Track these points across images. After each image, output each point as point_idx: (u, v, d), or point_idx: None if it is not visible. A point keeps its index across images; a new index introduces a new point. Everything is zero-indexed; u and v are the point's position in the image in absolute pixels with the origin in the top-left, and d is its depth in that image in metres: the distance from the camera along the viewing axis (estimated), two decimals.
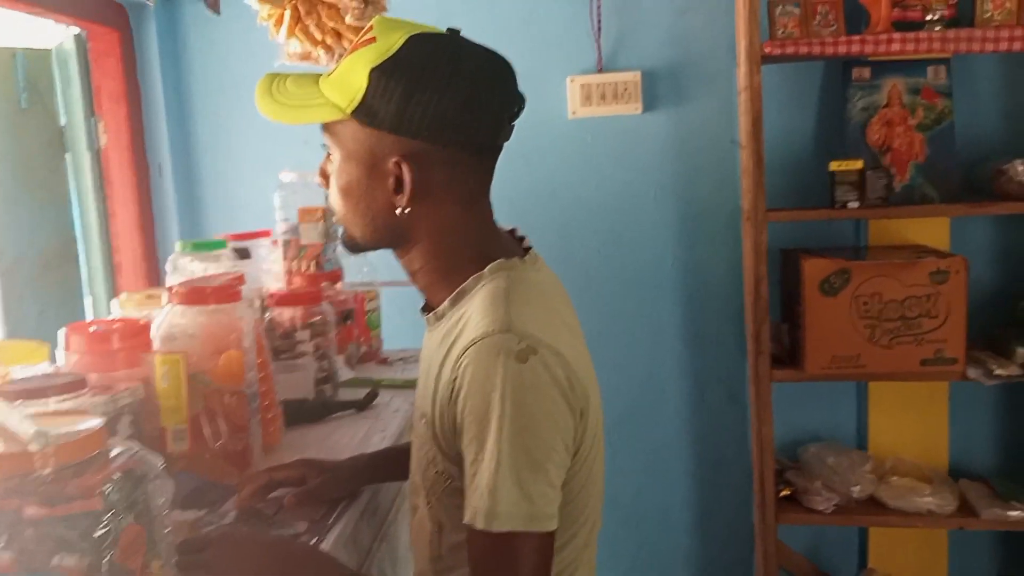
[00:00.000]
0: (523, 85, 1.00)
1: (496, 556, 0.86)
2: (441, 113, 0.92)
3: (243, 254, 1.70)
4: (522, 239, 1.08)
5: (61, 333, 1.22)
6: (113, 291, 2.32)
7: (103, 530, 0.65)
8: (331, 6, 1.48)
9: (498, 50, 0.99)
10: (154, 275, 2.36)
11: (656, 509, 2.49)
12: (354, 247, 1.04)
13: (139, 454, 0.70)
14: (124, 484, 0.68)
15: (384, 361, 1.96)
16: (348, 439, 1.44)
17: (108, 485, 0.67)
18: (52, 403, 0.89)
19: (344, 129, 0.96)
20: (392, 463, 1.29)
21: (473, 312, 0.94)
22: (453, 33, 0.97)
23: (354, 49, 0.95)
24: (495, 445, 0.85)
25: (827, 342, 2.10)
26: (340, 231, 1.05)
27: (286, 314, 1.63)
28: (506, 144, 1.00)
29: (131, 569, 0.68)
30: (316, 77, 1.00)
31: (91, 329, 1.25)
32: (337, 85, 0.95)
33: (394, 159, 0.94)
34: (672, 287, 2.40)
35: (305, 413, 1.53)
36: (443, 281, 1.00)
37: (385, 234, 1.00)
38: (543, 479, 0.86)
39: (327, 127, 0.98)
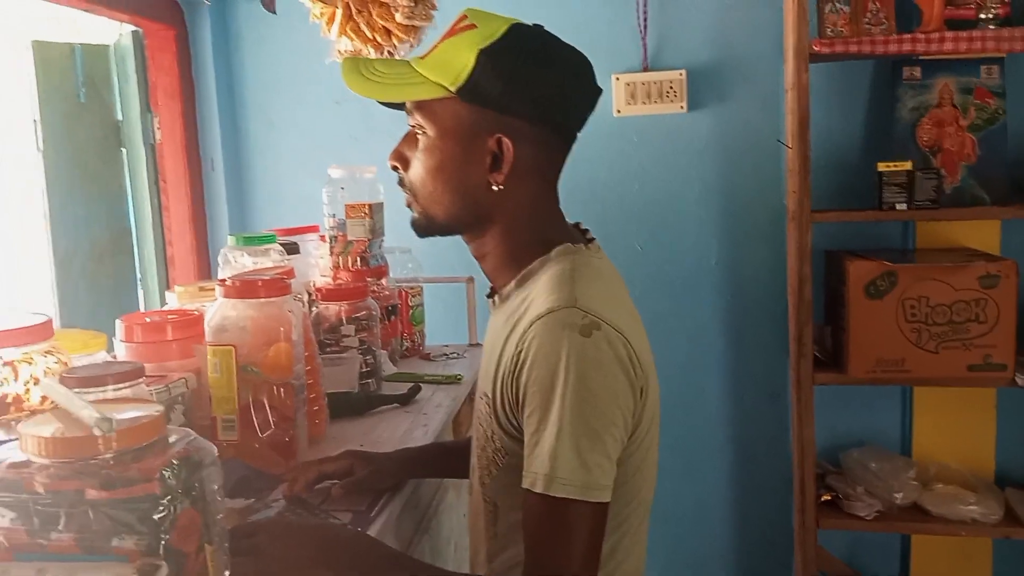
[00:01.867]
0: None
1: (551, 521, 0.89)
2: (543, 94, 0.99)
3: (291, 249, 1.74)
4: (586, 231, 1.11)
5: (118, 323, 1.26)
6: (165, 283, 2.39)
7: (160, 514, 0.67)
8: (382, 4, 1.51)
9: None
10: (205, 268, 2.41)
11: (694, 509, 2.48)
12: (429, 228, 1.06)
13: (195, 441, 0.73)
14: (181, 469, 0.70)
15: (427, 356, 1.99)
16: (390, 433, 1.46)
17: (166, 470, 0.69)
18: (110, 391, 0.92)
19: (443, 107, 1.00)
20: (437, 459, 1.32)
21: (538, 292, 0.98)
22: (540, 27, 1.03)
23: (451, 34, 1.00)
24: (558, 414, 0.88)
25: (872, 346, 2.07)
26: (415, 212, 1.07)
27: (332, 308, 1.66)
28: None
29: (186, 552, 0.70)
30: (404, 61, 1.04)
31: (146, 320, 1.30)
32: (438, 65, 0.99)
33: (496, 136, 0.98)
34: (714, 287, 2.39)
35: (349, 406, 1.56)
36: (510, 263, 1.04)
37: (469, 213, 1.03)
38: (601, 450, 0.89)
39: (421, 106, 1.01)
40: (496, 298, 1.08)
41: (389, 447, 1.35)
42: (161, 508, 0.67)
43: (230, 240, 1.61)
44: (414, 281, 2.03)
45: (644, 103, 2.30)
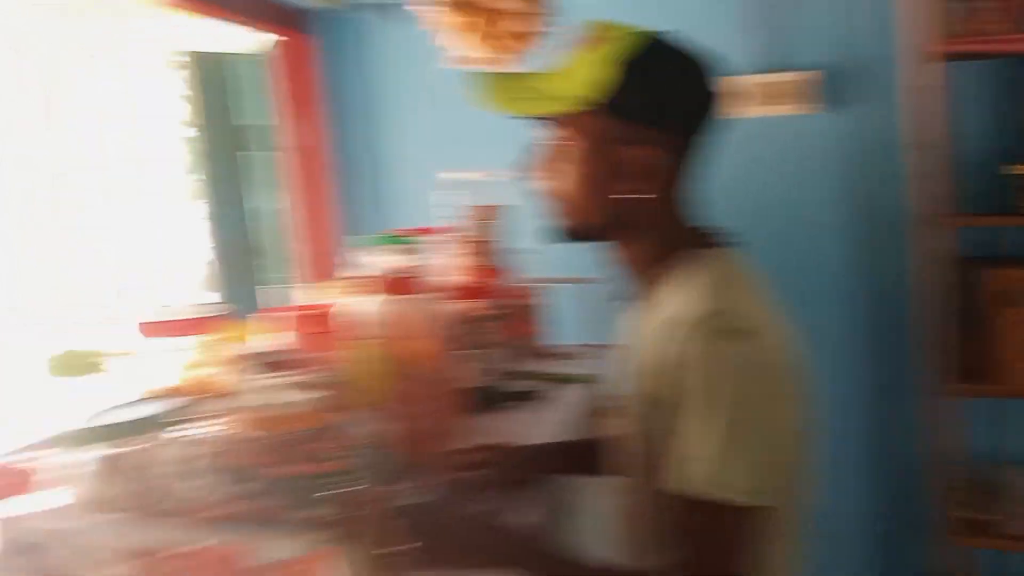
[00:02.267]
0: None
1: (708, 524, 0.90)
2: (686, 104, 1.02)
3: (422, 249, 1.81)
4: (728, 234, 1.12)
5: (279, 314, 1.35)
6: (301, 280, 2.52)
7: (339, 489, 0.74)
8: (509, 14, 1.55)
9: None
10: (335, 267, 2.53)
11: (826, 523, 2.43)
12: (574, 236, 1.09)
13: (373, 424, 0.80)
14: (362, 449, 0.77)
15: (554, 355, 2.03)
16: (517, 428, 1.51)
17: (349, 450, 0.76)
18: (286, 377, 1.00)
19: (584, 120, 1.02)
20: (580, 455, 1.35)
21: (688, 296, 0.99)
22: (673, 35, 1.05)
23: (588, 48, 1.02)
24: (715, 419, 0.89)
25: (1017, 357, 1.99)
26: (558, 222, 1.09)
27: (461, 306, 1.72)
28: None
29: (364, 524, 0.77)
30: (543, 74, 1.06)
31: (302, 313, 1.39)
32: (577, 79, 1.01)
33: (640, 147, 1.01)
34: (839, 292, 2.35)
35: (479, 401, 1.61)
36: (655, 267, 1.06)
37: (613, 222, 1.06)
38: (760, 456, 0.90)
39: (563, 120, 1.04)
40: (639, 301, 1.10)
41: (515, 442, 1.40)
42: (345, 483, 0.74)
43: (366, 240, 1.69)
44: (539, 281, 2.08)
45: (766, 104, 2.28)
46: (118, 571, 0.78)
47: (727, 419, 0.89)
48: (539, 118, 1.09)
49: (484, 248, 1.92)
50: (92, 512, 0.78)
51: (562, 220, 1.09)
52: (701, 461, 0.90)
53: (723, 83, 1.06)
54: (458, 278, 1.94)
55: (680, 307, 0.99)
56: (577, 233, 1.09)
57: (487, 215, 1.91)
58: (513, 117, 1.09)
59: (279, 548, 0.71)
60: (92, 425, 0.79)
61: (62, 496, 0.82)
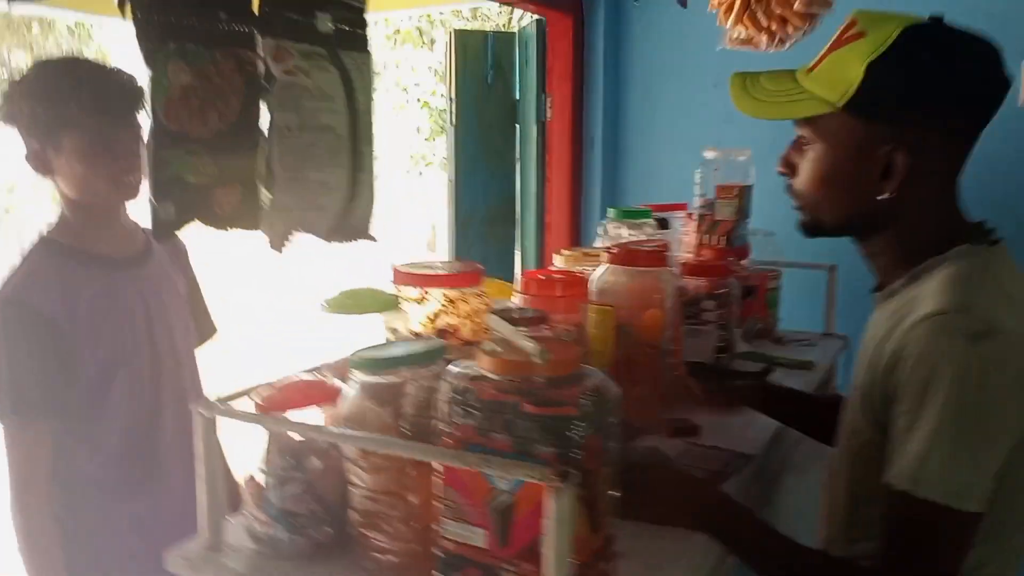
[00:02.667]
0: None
1: (914, 522, 0.90)
2: (940, 101, 0.97)
3: (662, 224, 1.87)
4: (991, 230, 1.06)
5: (519, 277, 1.48)
6: (542, 248, 2.67)
7: (576, 432, 0.82)
8: None
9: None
10: (576, 236, 2.65)
11: None
12: (817, 231, 1.09)
13: (604, 380, 0.88)
14: (593, 400, 0.85)
15: (779, 340, 2.01)
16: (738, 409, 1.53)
17: (583, 398, 0.84)
18: (528, 330, 1.11)
19: (831, 121, 1.01)
20: (790, 402, 1.40)
21: (929, 292, 0.97)
22: (937, 21, 0.99)
23: (839, 45, 1.00)
24: (934, 418, 0.89)
25: None
26: (803, 217, 1.09)
27: (694, 283, 1.76)
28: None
29: (589, 468, 0.85)
30: (789, 73, 1.06)
31: (542, 277, 1.50)
32: (824, 80, 1.00)
33: (888, 148, 0.98)
34: None
35: (705, 376, 1.65)
36: (902, 263, 1.04)
37: (858, 220, 1.05)
38: (973, 459, 0.89)
39: (808, 119, 1.03)
40: (882, 293, 1.08)
41: (742, 423, 1.43)
42: (577, 428, 0.83)
43: (611, 213, 1.78)
44: (774, 264, 2.06)
45: None
46: (363, 480, 0.93)
47: (939, 418, 0.88)
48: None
49: (728, 228, 1.93)
50: (350, 429, 0.93)
51: (803, 214, 1.09)
52: (908, 458, 0.90)
53: (997, 70, 0.99)
54: (698, 255, 1.98)
55: (916, 303, 0.97)
56: (815, 229, 1.09)
57: (735, 195, 1.92)
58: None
59: (515, 477, 0.82)
60: (358, 357, 0.94)
61: (324, 413, 0.99)
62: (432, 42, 9.25)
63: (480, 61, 2.62)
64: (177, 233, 0.76)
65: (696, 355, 1.70)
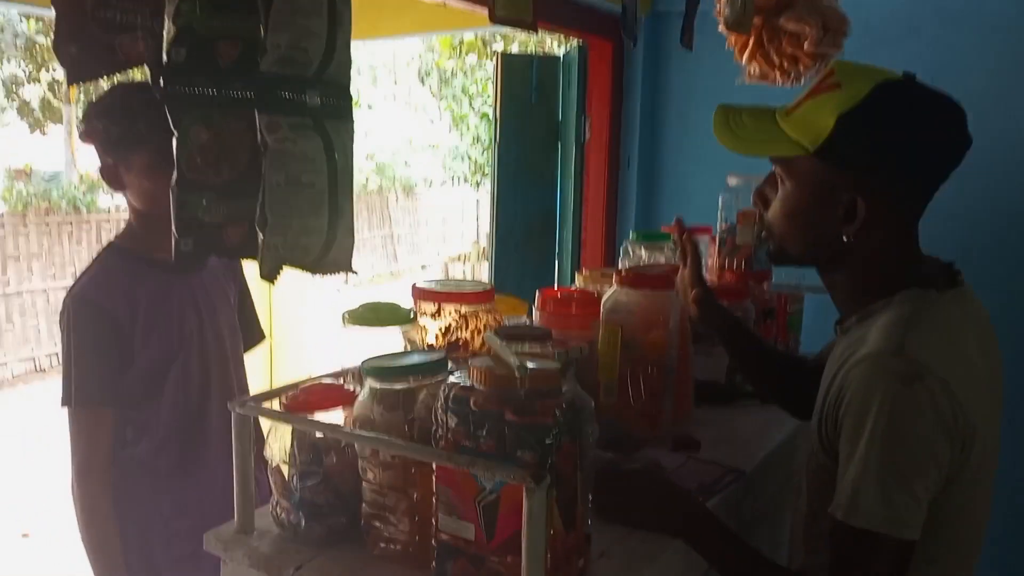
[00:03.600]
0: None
1: (851, 548, 0.98)
2: (900, 159, 1.04)
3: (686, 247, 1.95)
4: (955, 273, 1.12)
5: (536, 294, 1.58)
6: (577, 263, 2.77)
7: (551, 440, 0.92)
8: (791, 34, 1.63)
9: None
10: (611, 254, 2.74)
11: None
12: (781, 261, 1.19)
13: (580, 393, 0.98)
14: (569, 412, 0.95)
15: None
16: (747, 426, 1.61)
17: (558, 410, 0.94)
18: (527, 347, 1.22)
19: (802, 164, 1.09)
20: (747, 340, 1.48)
21: (873, 332, 1.05)
22: (910, 78, 1.06)
23: (817, 92, 1.07)
24: (865, 451, 0.97)
25: None
26: (770, 244, 1.18)
27: None
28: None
29: (564, 473, 0.95)
30: (770, 112, 1.14)
31: (558, 295, 1.61)
32: (800, 125, 1.08)
33: (851, 194, 1.06)
34: None
35: (714, 395, 1.73)
36: (856, 301, 1.12)
37: (819, 255, 1.13)
38: (907, 490, 0.96)
39: (782, 159, 1.12)
40: (841, 327, 1.16)
41: (743, 438, 1.51)
42: (552, 436, 0.93)
43: (631, 235, 1.87)
44: (796, 288, 2.11)
45: None
46: (372, 476, 1.05)
47: (873, 452, 0.95)
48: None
49: (748, 252, 2.00)
50: (360, 429, 1.05)
51: (771, 243, 1.18)
52: (845, 488, 0.97)
53: (959, 129, 1.05)
54: (720, 278, 2.05)
55: (862, 342, 1.05)
56: (781, 258, 1.18)
57: (755, 221, 1.99)
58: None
59: (496, 477, 0.92)
60: (368, 366, 1.06)
61: (339, 414, 1.11)
62: (494, 54, 9.44)
63: (525, 83, 2.74)
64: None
65: (709, 375, 1.77)
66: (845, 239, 1.08)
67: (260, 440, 1.17)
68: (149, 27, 0.84)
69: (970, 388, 1.00)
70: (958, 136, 1.05)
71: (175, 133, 0.75)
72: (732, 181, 2.03)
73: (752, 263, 1.99)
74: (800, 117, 1.09)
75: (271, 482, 1.16)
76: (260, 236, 0.78)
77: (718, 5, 1.78)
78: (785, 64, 1.64)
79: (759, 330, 1.95)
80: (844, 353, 1.09)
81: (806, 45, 1.59)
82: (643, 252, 1.82)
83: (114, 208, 8.67)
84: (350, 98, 0.87)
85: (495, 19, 1.32)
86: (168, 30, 0.83)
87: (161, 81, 0.78)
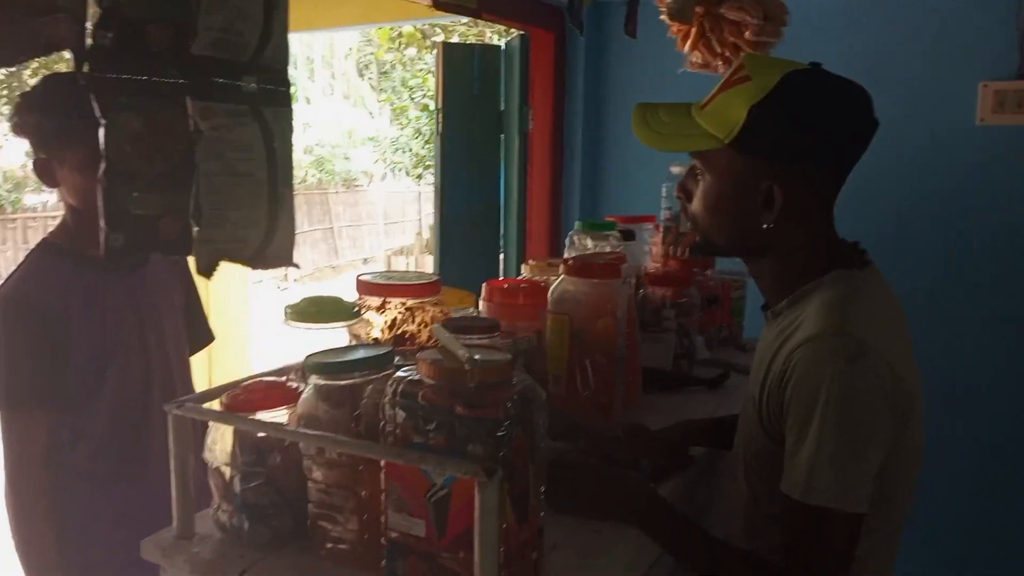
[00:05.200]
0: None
1: (808, 526, 0.99)
2: (812, 143, 1.07)
3: (628, 236, 1.95)
4: (863, 252, 1.17)
5: (484, 286, 1.56)
6: (523, 254, 2.76)
7: (502, 433, 0.91)
8: (733, 23, 1.64)
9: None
10: (556, 244, 2.74)
11: None
12: (707, 252, 1.21)
13: (531, 384, 0.96)
14: (519, 403, 0.93)
15: (742, 347, 2.10)
16: (695, 412, 1.61)
17: (509, 402, 0.93)
18: (475, 339, 1.20)
19: (718, 156, 1.12)
20: (720, 432, 1.44)
21: (810, 314, 1.07)
22: (816, 67, 1.10)
23: (728, 86, 1.11)
24: (817, 431, 0.98)
25: None
26: (696, 237, 1.21)
27: (657, 292, 1.85)
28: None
29: (516, 465, 0.94)
30: (686, 107, 1.16)
31: (504, 286, 1.59)
32: (713, 118, 1.11)
33: (766, 182, 1.09)
34: None
35: (662, 382, 1.74)
36: (784, 286, 1.15)
37: (742, 244, 1.17)
38: (856, 466, 0.98)
39: (700, 153, 1.14)
40: (770, 312, 1.18)
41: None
42: (503, 428, 0.91)
43: (576, 225, 1.86)
44: (739, 275, 2.14)
45: (1015, 112, 2.14)
46: (319, 475, 1.02)
47: (824, 431, 0.97)
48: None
49: (690, 239, 2.01)
50: (304, 427, 1.02)
51: (696, 235, 1.20)
52: (798, 468, 0.99)
53: (866, 113, 1.09)
54: (665, 266, 2.06)
55: (799, 323, 1.07)
56: (706, 249, 1.20)
57: None
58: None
59: (447, 472, 0.90)
60: (312, 362, 1.03)
61: (283, 413, 1.08)
62: (434, 46, 9.38)
63: (467, 73, 2.71)
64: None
65: (656, 361, 1.78)
66: (766, 227, 1.10)
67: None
68: (72, 8, 0.79)
69: (904, 362, 1.04)
70: (865, 120, 1.09)
71: (102, 121, 0.71)
72: (675, 170, 2.04)
73: None
74: (713, 110, 1.11)
75: (211, 485, 1.12)
76: (195, 229, 0.74)
77: None
78: (727, 53, 1.65)
79: (704, 316, 1.97)
80: (779, 336, 1.11)
81: (747, 34, 1.61)
82: (589, 241, 1.81)
83: (41, 206, 8.38)
84: (288, 84, 0.83)
85: (438, 4, 1.29)
86: (93, 12, 0.79)
87: (85, 66, 0.74)
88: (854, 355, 0.99)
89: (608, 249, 1.81)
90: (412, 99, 12.60)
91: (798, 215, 1.10)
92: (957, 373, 2.20)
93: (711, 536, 1.10)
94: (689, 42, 1.69)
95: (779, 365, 1.06)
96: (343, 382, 1.01)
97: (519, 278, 1.77)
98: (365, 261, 14.05)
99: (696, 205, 1.18)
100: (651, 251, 2.08)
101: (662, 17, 1.76)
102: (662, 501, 1.15)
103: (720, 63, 1.70)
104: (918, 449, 1.08)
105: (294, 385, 1.12)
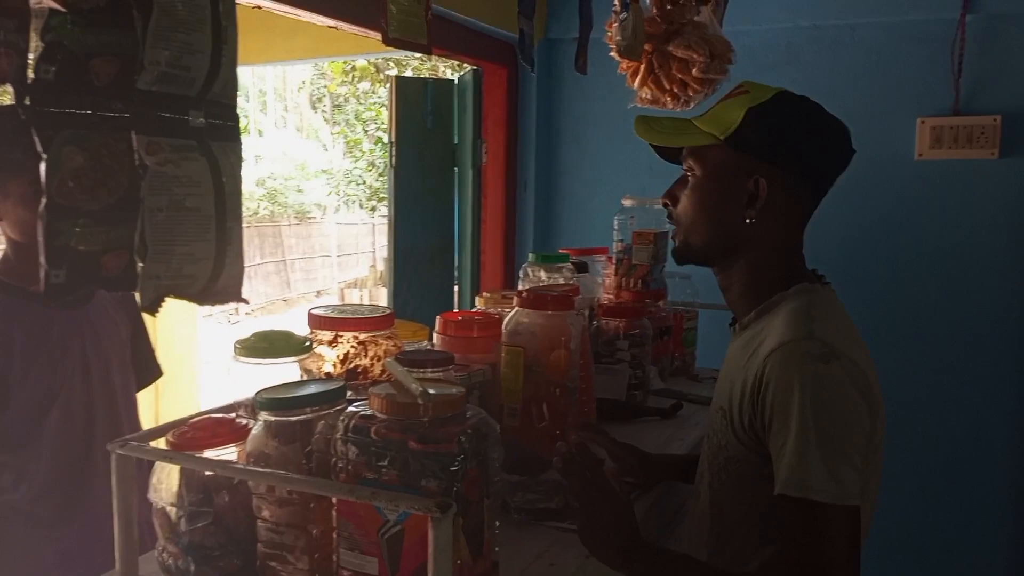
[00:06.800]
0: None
1: (808, 524, 0.99)
2: (800, 149, 1.16)
3: (581, 268, 1.97)
4: (821, 276, 1.23)
5: (437, 319, 1.56)
6: (477, 286, 2.76)
7: (456, 467, 0.90)
8: (681, 60, 1.68)
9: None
10: (510, 276, 2.75)
11: (973, 571, 2.34)
12: (686, 256, 1.25)
13: (484, 418, 0.96)
14: (473, 437, 0.93)
15: (695, 377, 2.12)
16: (649, 442, 1.62)
17: (463, 436, 0.92)
18: (428, 372, 1.19)
19: (712, 152, 1.19)
20: (688, 467, 1.45)
21: (777, 324, 1.12)
22: (806, 97, 1.20)
23: (727, 98, 1.20)
24: (802, 429, 1.00)
25: None
26: (674, 242, 1.27)
27: (611, 324, 1.86)
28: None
29: (470, 499, 0.93)
30: (686, 119, 1.25)
31: (458, 319, 1.59)
32: (712, 120, 1.19)
33: (754, 177, 1.16)
34: (1012, 343, 2.24)
35: (616, 412, 1.74)
36: (752, 296, 1.20)
37: (722, 243, 1.21)
38: (846, 460, 1.00)
39: (694, 151, 1.21)
40: (736, 327, 1.23)
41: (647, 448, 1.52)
42: (457, 463, 0.91)
43: (530, 257, 1.87)
44: (690, 306, 2.17)
45: (951, 148, 2.23)
46: (268, 514, 1.00)
47: (809, 429, 0.99)
48: (673, 159, 1.27)
49: (644, 272, 2.04)
50: (254, 465, 1.00)
51: (676, 240, 1.26)
52: (791, 468, 1.00)
53: (846, 142, 1.18)
54: (617, 297, 2.08)
55: (767, 334, 1.11)
56: (685, 252, 1.24)
57: (650, 241, 2.04)
58: (655, 147, 1.28)
59: (401, 508, 0.89)
60: (261, 397, 1.01)
61: (231, 450, 1.05)
62: (388, 79, 9.41)
63: (420, 106, 2.72)
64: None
65: (610, 392, 1.79)
66: (748, 221, 1.16)
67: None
68: (14, 42, 0.78)
69: (867, 366, 1.08)
70: (846, 144, 1.19)
71: (43, 156, 0.69)
72: (627, 203, 2.06)
73: (648, 282, 2.03)
74: (712, 115, 1.20)
75: (156, 525, 1.08)
76: (139, 265, 0.72)
77: (609, 31, 1.82)
78: (675, 89, 1.69)
79: (657, 347, 1.99)
80: (748, 347, 1.14)
81: (694, 71, 1.65)
82: (542, 274, 1.82)
83: None
84: (237, 118, 0.83)
85: (388, 41, 1.29)
86: (36, 46, 0.78)
87: (27, 100, 0.72)
88: (827, 355, 1.03)
89: (561, 281, 1.82)
90: (366, 132, 12.61)
91: (777, 216, 1.17)
92: (895, 391, 2.25)
93: (706, 564, 1.11)
94: (638, 78, 1.73)
95: (753, 373, 1.09)
96: (294, 418, 1.00)
97: (473, 310, 1.77)
98: (318, 294, 13.92)
99: (683, 204, 1.23)
100: (604, 283, 2.10)
101: (612, 54, 1.80)
102: (653, 550, 1.10)
103: (668, 99, 1.74)
104: (882, 446, 1.11)
105: (243, 421, 1.10)
